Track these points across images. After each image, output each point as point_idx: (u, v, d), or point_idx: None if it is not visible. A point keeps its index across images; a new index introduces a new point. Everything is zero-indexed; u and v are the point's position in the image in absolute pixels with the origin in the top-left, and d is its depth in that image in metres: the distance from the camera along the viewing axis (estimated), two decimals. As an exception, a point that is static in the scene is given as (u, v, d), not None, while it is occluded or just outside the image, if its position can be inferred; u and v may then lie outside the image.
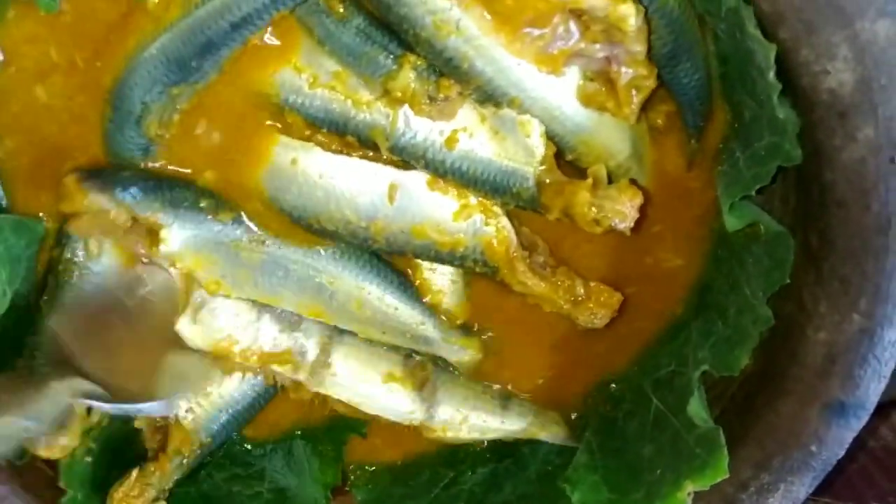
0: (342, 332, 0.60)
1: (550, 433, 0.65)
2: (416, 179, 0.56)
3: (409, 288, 0.60)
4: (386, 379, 0.61)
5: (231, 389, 0.61)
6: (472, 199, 0.57)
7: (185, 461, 0.61)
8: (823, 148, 0.50)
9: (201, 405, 0.61)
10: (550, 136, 0.55)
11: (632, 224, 0.55)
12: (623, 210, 0.54)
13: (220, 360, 0.58)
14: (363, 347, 0.60)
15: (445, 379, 0.62)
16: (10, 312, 0.58)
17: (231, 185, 0.57)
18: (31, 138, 0.58)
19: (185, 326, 0.56)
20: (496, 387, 0.65)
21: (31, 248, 0.59)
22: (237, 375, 0.61)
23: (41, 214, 0.59)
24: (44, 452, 0.58)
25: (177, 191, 0.56)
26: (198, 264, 0.56)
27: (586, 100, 0.55)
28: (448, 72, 0.54)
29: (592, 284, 0.59)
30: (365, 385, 0.60)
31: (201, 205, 0.56)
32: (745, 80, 0.53)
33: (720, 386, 0.61)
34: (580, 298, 0.58)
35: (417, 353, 0.62)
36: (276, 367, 0.58)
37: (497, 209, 0.57)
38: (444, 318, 0.61)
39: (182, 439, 0.60)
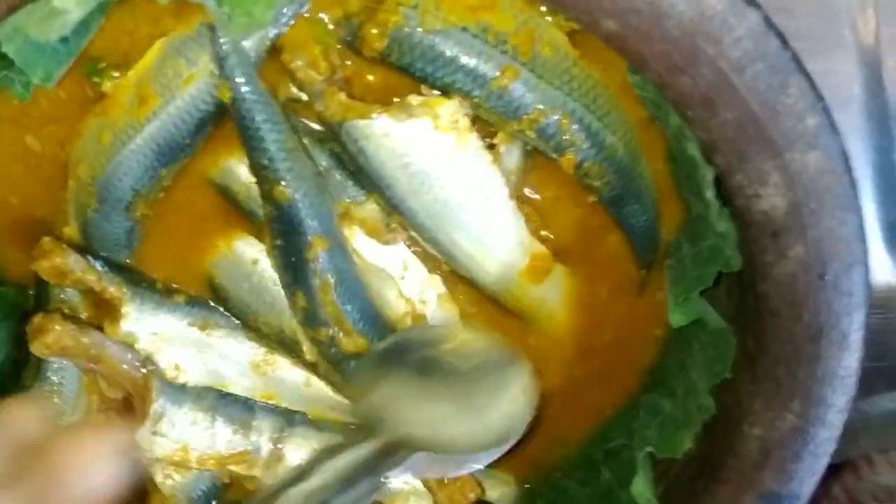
0: (293, 421, 0.62)
1: (500, 493, 0.67)
2: None
3: None
4: None
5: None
6: None
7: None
8: (757, 262, 0.52)
9: (181, 473, 0.63)
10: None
11: None
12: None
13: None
14: (314, 435, 0.62)
15: None
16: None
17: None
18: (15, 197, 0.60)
19: (145, 439, 0.58)
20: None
21: (10, 319, 0.61)
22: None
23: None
24: None
25: (134, 272, 0.59)
26: (154, 346, 0.58)
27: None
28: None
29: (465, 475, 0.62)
30: None
31: (157, 286, 0.59)
32: (690, 183, 0.55)
33: (666, 463, 0.63)
34: (447, 481, 0.62)
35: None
36: (232, 467, 0.61)
37: None
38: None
39: (161, 502, 0.63)
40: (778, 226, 0.50)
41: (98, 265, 0.58)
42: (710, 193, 0.51)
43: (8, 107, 0.57)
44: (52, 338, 0.55)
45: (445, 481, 0.62)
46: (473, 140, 0.55)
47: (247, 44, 0.53)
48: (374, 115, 0.53)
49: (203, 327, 0.59)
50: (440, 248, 0.58)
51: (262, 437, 0.61)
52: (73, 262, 0.57)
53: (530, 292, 0.60)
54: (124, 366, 0.58)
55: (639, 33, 0.46)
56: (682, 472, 0.63)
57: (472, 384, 0.55)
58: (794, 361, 0.53)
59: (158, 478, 0.63)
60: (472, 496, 0.63)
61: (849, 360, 0.52)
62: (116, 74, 0.55)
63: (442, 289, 0.60)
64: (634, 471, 0.61)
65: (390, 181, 0.55)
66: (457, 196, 0.56)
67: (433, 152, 0.54)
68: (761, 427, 0.56)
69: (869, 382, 0.74)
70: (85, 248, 0.59)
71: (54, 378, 0.61)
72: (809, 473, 0.56)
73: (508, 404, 0.54)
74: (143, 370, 0.59)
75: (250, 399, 0.61)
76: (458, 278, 0.60)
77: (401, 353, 0.55)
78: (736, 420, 0.57)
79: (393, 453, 0.49)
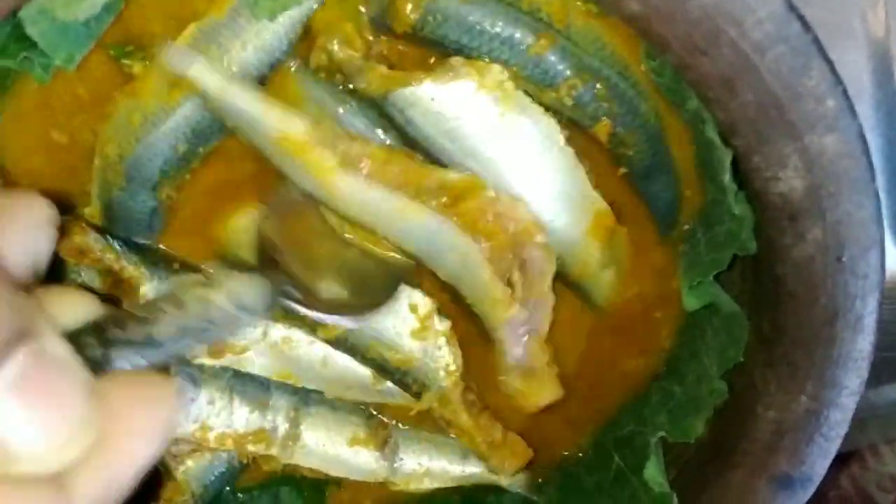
0: (308, 401, 0.62)
1: (511, 480, 0.67)
2: None
3: None
4: (351, 442, 0.63)
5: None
6: (437, 325, 0.59)
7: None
8: (775, 245, 0.52)
9: (194, 459, 0.63)
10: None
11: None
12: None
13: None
14: (329, 415, 0.63)
15: (407, 434, 0.64)
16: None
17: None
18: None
19: None
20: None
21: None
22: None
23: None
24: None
25: (153, 252, 0.59)
26: (171, 325, 0.58)
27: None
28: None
29: (510, 434, 0.62)
30: (333, 451, 0.63)
31: (174, 266, 0.59)
32: (707, 166, 0.56)
33: (678, 448, 0.63)
34: (496, 443, 0.61)
35: (382, 409, 0.65)
36: (249, 447, 0.61)
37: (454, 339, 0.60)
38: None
39: (174, 489, 0.63)
40: (796, 209, 0.50)
41: (117, 245, 0.58)
42: (727, 176, 0.51)
43: (33, 98, 0.57)
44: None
45: (496, 443, 0.62)
46: (520, 95, 0.54)
47: (275, 26, 0.53)
48: (417, 82, 0.53)
49: None
50: None
51: (278, 416, 0.61)
52: (92, 240, 0.57)
53: (595, 255, 0.58)
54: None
55: (660, 14, 0.46)
56: (695, 457, 0.63)
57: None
58: (810, 344, 0.54)
59: (172, 465, 0.63)
60: (526, 456, 0.63)
61: (863, 343, 0.53)
62: (146, 58, 0.55)
63: None
64: (647, 456, 0.61)
65: (443, 146, 0.54)
66: (513, 152, 0.55)
67: (481, 111, 0.54)
68: (776, 410, 0.56)
69: (876, 373, 0.75)
70: (106, 229, 0.59)
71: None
72: (822, 456, 0.56)
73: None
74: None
75: (267, 378, 0.61)
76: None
77: None
78: (749, 404, 0.58)
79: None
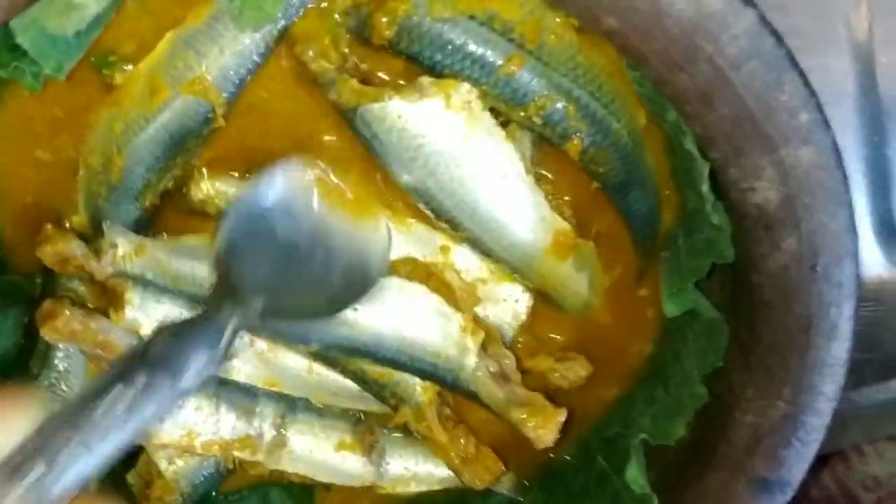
0: (295, 407, 0.63)
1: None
2: None
3: None
4: (338, 448, 0.64)
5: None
6: None
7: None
8: (751, 254, 0.53)
9: (184, 459, 0.64)
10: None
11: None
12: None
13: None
14: (315, 421, 0.63)
15: (394, 438, 0.65)
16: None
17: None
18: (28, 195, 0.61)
19: None
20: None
21: (19, 307, 0.62)
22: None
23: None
24: None
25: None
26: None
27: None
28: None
29: (483, 449, 0.63)
30: (320, 456, 0.63)
31: None
32: (687, 176, 0.56)
33: (659, 451, 0.64)
34: (469, 458, 0.62)
35: (367, 413, 0.65)
36: (236, 453, 0.61)
37: None
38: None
39: (164, 488, 0.64)
40: (771, 219, 0.51)
41: None
42: (705, 187, 0.52)
43: (17, 117, 0.58)
44: (61, 322, 0.56)
45: (469, 457, 0.63)
46: (486, 118, 0.55)
47: (256, 36, 0.54)
48: (386, 98, 0.54)
49: None
50: (462, 230, 0.58)
51: (264, 423, 0.62)
52: (75, 247, 0.58)
53: (556, 270, 0.60)
54: (129, 352, 0.59)
55: (639, 31, 0.47)
56: (675, 460, 0.64)
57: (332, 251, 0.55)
58: (786, 350, 0.55)
59: (162, 465, 0.64)
60: (497, 470, 0.64)
61: (838, 350, 0.54)
62: (127, 67, 0.56)
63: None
64: (628, 458, 0.62)
65: (406, 163, 0.55)
66: (473, 174, 0.56)
67: (446, 132, 0.55)
68: (753, 414, 0.57)
69: (859, 373, 0.76)
70: (93, 237, 0.59)
71: (61, 366, 0.62)
72: (799, 460, 0.57)
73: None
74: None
75: (253, 386, 0.62)
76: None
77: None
78: (728, 408, 0.59)
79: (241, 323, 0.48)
